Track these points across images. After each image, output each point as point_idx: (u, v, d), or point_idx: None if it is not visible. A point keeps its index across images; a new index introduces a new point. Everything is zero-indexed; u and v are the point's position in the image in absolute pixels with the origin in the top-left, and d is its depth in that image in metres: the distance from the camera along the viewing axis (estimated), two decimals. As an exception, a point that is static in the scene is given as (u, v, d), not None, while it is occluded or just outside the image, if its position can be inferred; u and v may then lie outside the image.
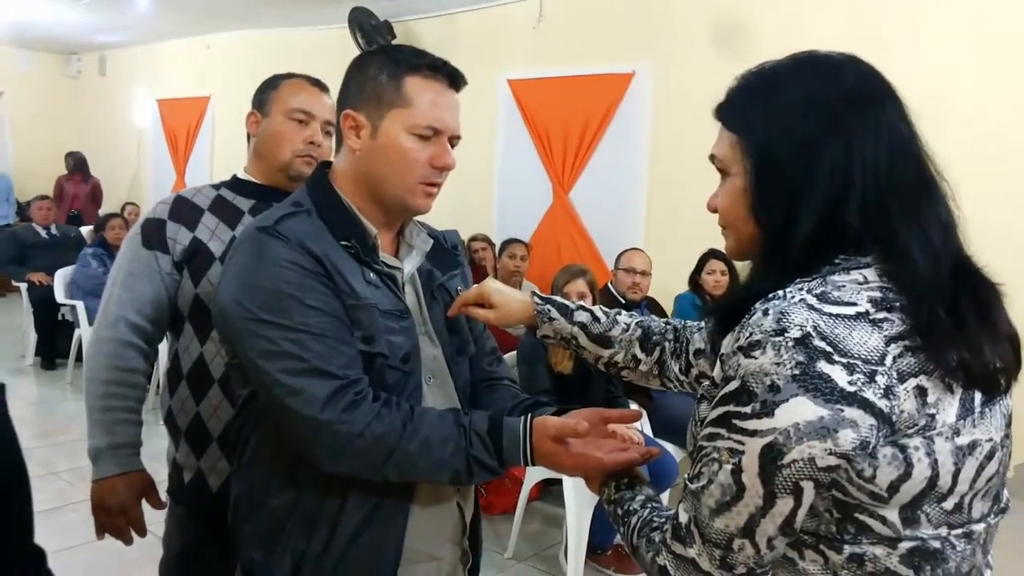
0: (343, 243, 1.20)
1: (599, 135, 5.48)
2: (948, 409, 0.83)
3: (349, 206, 1.25)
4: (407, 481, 1.19)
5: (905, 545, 0.83)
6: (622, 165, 5.41)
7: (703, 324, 1.29)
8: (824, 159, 0.87)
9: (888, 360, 0.80)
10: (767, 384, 0.80)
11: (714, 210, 1.01)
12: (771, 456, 0.80)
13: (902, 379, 0.80)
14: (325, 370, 1.12)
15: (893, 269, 0.86)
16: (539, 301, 1.32)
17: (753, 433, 0.81)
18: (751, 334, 0.83)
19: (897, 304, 0.83)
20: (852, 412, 0.78)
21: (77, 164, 8.99)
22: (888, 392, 0.79)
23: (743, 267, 1.06)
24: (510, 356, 3.41)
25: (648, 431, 3.38)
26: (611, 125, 5.43)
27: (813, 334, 0.79)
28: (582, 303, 1.34)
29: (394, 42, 6.12)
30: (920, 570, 0.84)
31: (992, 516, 0.89)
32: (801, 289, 0.84)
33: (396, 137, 1.21)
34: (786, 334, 0.80)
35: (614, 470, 1.13)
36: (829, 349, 0.79)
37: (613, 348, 1.29)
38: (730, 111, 0.97)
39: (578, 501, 2.98)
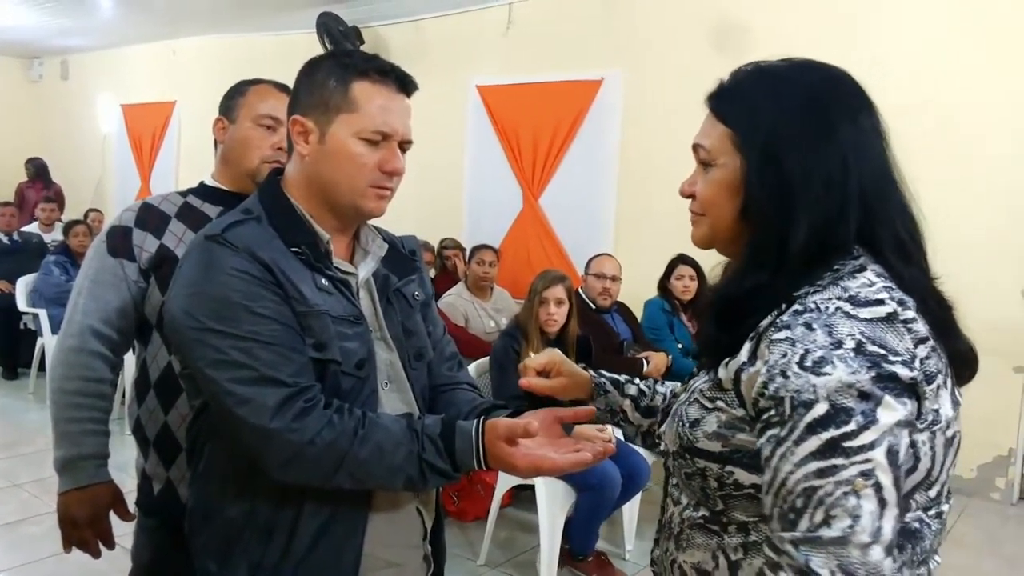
0: (294, 249, 1.19)
1: (568, 141, 5.51)
2: (946, 404, 0.88)
3: (301, 212, 1.24)
4: (363, 488, 1.18)
5: None
6: (591, 171, 5.45)
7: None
8: (821, 168, 0.89)
9: (917, 363, 0.83)
10: (856, 394, 0.79)
11: (688, 196, 1.01)
12: (892, 459, 0.79)
13: (928, 380, 0.85)
14: (274, 378, 1.11)
15: (890, 270, 0.90)
16: (595, 375, 1.30)
17: (872, 445, 0.78)
18: (806, 351, 0.82)
19: (909, 303, 0.87)
20: (912, 406, 0.81)
21: (38, 171, 8.80)
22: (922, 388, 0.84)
23: (712, 271, 1.08)
24: (483, 362, 3.42)
25: (619, 434, 3.40)
26: (580, 132, 5.47)
27: (864, 341, 0.81)
28: (629, 377, 1.31)
29: (363, 48, 6.09)
30: (903, 549, 0.88)
31: (949, 497, 0.95)
32: (828, 298, 0.86)
33: (344, 142, 1.20)
34: (844, 346, 0.81)
35: (569, 470, 1.13)
36: (883, 351, 0.81)
37: (654, 417, 1.28)
38: (726, 103, 0.96)
39: (551, 506, 2.98)
